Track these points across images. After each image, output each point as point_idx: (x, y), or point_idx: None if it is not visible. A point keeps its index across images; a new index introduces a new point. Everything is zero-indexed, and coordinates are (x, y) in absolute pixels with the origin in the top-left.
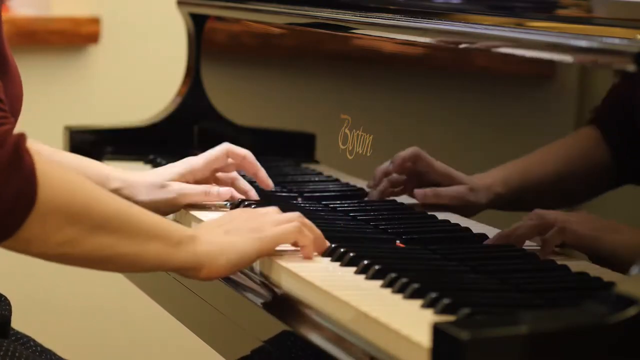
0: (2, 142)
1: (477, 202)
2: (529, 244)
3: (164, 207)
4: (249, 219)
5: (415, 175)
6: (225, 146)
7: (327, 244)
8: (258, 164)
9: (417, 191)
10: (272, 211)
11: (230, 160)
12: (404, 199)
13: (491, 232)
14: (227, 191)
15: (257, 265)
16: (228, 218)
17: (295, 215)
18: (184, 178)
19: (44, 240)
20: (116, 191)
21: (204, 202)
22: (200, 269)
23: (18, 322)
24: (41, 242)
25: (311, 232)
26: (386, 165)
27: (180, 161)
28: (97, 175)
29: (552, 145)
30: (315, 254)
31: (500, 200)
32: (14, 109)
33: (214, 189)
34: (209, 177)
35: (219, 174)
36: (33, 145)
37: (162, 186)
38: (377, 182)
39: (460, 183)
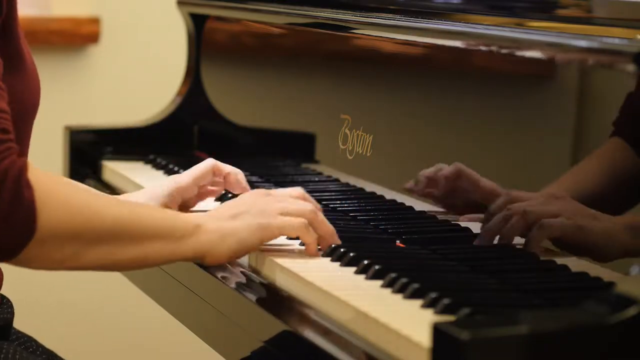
0: (2, 178)
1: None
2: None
3: None
4: (259, 202)
5: (458, 192)
6: (211, 162)
7: (338, 241)
8: (243, 182)
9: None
10: (288, 196)
11: (216, 178)
12: (404, 199)
13: None
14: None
15: (257, 266)
16: (240, 200)
17: (308, 209)
18: (173, 198)
19: (45, 259)
20: None
21: None
22: (203, 258)
23: (20, 323)
24: (42, 260)
25: (322, 227)
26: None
27: (166, 181)
28: None
29: (588, 161)
30: (321, 250)
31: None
32: (32, 104)
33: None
34: (196, 195)
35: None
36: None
37: None
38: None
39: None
